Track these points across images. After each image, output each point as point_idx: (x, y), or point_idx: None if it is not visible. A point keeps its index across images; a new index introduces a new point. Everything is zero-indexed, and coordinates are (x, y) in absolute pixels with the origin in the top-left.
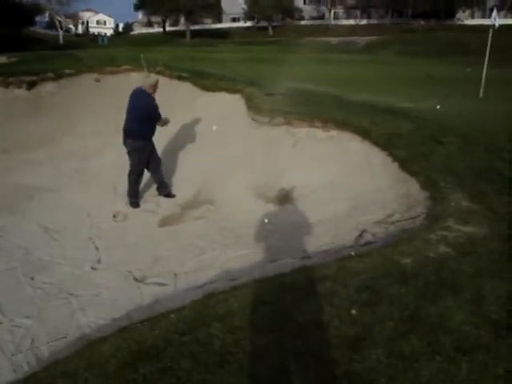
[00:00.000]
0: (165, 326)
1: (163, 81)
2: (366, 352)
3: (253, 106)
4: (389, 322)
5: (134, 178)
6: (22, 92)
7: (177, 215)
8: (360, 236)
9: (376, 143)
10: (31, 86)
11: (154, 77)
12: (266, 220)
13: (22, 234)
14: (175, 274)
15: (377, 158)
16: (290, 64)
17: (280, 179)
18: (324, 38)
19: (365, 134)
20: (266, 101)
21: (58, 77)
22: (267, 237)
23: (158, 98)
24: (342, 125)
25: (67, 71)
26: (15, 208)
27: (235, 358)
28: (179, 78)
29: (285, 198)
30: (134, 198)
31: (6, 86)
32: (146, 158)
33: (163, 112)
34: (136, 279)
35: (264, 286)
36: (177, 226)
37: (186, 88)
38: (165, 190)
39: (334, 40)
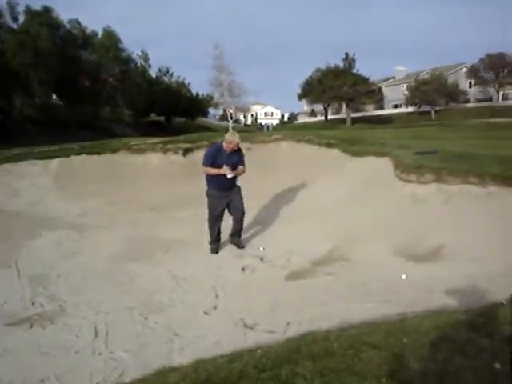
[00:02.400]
0: (246, 360)
1: (312, 148)
2: None
3: (400, 165)
4: None
5: (208, 223)
6: (178, 158)
7: (307, 271)
8: None
9: None
10: (187, 152)
11: (232, 135)
12: (404, 276)
13: (151, 279)
14: (288, 323)
15: None
16: (449, 139)
17: (426, 237)
18: (491, 120)
19: None
20: (414, 159)
21: (213, 144)
22: (401, 291)
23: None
24: (502, 179)
25: (220, 140)
26: (151, 257)
27: None
28: (328, 145)
29: (430, 255)
30: (212, 243)
31: (165, 151)
32: (216, 206)
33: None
34: (246, 325)
35: (378, 328)
36: (304, 280)
37: (334, 154)
38: (236, 240)
39: (501, 121)
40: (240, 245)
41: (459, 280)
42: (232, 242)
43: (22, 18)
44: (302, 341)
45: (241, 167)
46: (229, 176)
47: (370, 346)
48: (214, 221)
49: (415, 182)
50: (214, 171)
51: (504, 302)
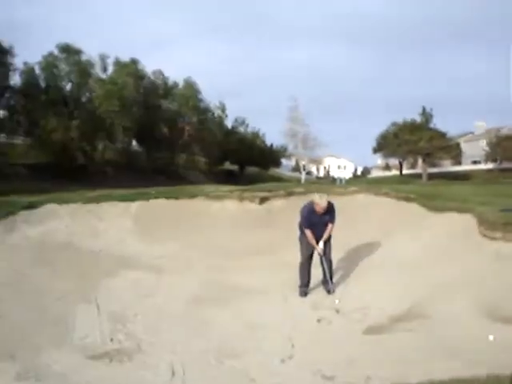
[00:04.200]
0: None
1: (389, 202)
2: None
3: (484, 221)
4: None
5: (299, 267)
6: (254, 206)
7: (384, 326)
8: None
9: None
10: (263, 200)
11: (320, 198)
12: (492, 337)
13: (226, 325)
14: (368, 377)
15: None
16: None
17: None
18: None
19: None
20: (500, 216)
21: (289, 194)
22: (489, 352)
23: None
24: None
25: (297, 190)
26: (225, 304)
27: None
28: (406, 199)
29: None
30: (302, 287)
31: (241, 199)
32: (305, 251)
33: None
34: (324, 377)
35: None
36: (382, 335)
37: (413, 208)
38: (326, 287)
39: None
40: (333, 290)
41: None
42: (325, 289)
43: (110, 69)
44: None
45: (329, 227)
46: (319, 252)
47: None
48: (304, 265)
49: (501, 239)
50: (310, 240)
51: None
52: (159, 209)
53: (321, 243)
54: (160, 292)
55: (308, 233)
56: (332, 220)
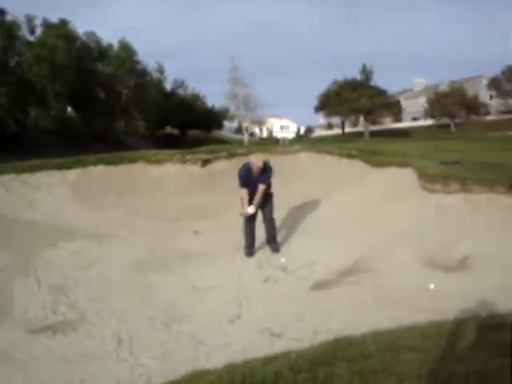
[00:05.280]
0: (281, 362)
1: (332, 159)
2: None
3: (425, 175)
4: None
5: (243, 230)
6: (196, 169)
7: (331, 281)
8: None
9: None
10: (205, 163)
11: (255, 158)
12: (432, 286)
13: (172, 290)
14: (316, 331)
15: None
16: (472, 150)
17: (452, 247)
18: None
19: None
20: (439, 169)
21: (231, 156)
22: (430, 300)
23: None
24: None
25: (240, 151)
26: (172, 268)
27: None
28: (348, 156)
29: (458, 265)
30: (247, 248)
31: (183, 162)
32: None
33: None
34: (272, 334)
35: (413, 332)
36: (328, 290)
37: (356, 165)
38: (272, 246)
39: None
40: (277, 249)
41: (488, 289)
42: (270, 248)
43: (38, 31)
44: (336, 344)
45: (259, 188)
46: (250, 213)
47: (408, 349)
48: (247, 226)
49: (440, 191)
50: (243, 201)
51: None
52: (98, 176)
53: (251, 207)
54: (103, 260)
55: (242, 193)
56: (264, 181)
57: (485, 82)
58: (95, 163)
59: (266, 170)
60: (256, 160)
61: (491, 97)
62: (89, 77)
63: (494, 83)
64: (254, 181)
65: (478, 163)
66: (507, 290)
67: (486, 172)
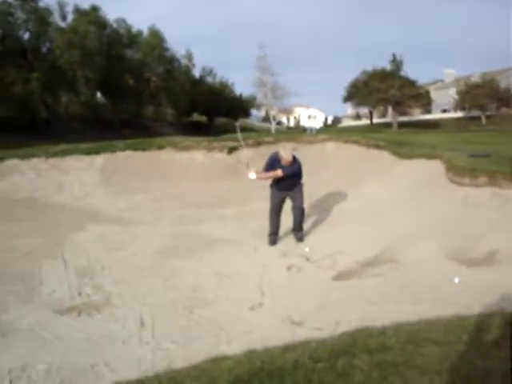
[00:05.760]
0: (300, 351)
1: (359, 150)
2: None
3: (453, 168)
4: None
5: (269, 216)
6: (222, 156)
7: (354, 271)
8: None
9: None
10: (232, 150)
11: (284, 151)
12: (457, 280)
13: (195, 275)
14: (337, 322)
15: None
16: (502, 144)
17: (479, 242)
18: None
19: None
20: (468, 162)
21: (258, 144)
22: (454, 294)
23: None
24: None
25: (267, 139)
26: (195, 254)
27: None
28: (376, 146)
29: (484, 260)
30: (271, 235)
31: (210, 149)
32: (274, 200)
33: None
34: (293, 322)
35: (436, 325)
36: (351, 281)
37: (383, 156)
38: (296, 235)
39: None
40: (302, 238)
41: None
42: (295, 238)
43: (70, 17)
44: (357, 335)
45: (278, 171)
46: (251, 177)
47: (430, 342)
48: (273, 214)
49: (468, 185)
50: (262, 176)
51: None
52: (126, 161)
53: (253, 173)
54: (128, 244)
55: (263, 173)
56: (293, 173)
57: None
58: (123, 149)
59: (295, 163)
60: (284, 153)
61: None
62: (118, 63)
63: None
64: (284, 170)
65: (508, 157)
66: None
67: None
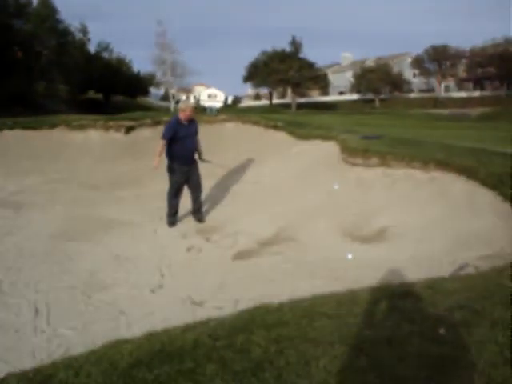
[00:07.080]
0: (199, 330)
1: (258, 130)
2: (453, 374)
3: (346, 149)
4: (492, 346)
5: (168, 197)
6: (119, 136)
7: (253, 250)
8: (460, 268)
9: (484, 183)
10: (129, 130)
11: (184, 102)
12: (350, 256)
13: (93, 259)
14: (237, 300)
15: (484, 197)
16: (393, 126)
17: (371, 220)
18: (434, 110)
19: (471, 173)
20: (360, 143)
21: (156, 123)
22: (347, 270)
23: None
24: (445, 165)
25: (165, 119)
26: (92, 237)
27: (274, 367)
28: (274, 127)
29: (375, 236)
30: (170, 217)
31: (106, 129)
32: (177, 180)
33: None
34: (194, 303)
35: (329, 299)
36: (251, 259)
37: (281, 136)
38: (196, 216)
39: (444, 112)
40: (202, 219)
41: (404, 259)
42: (195, 218)
43: None
44: (255, 312)
45: (198, 138)
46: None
47: (323, 316)
48: (172, 194)
49: (361, 165)
50: (157, 153)
51: (446, 276)
52: (15, 141)
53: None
54: (20, 229)
55: (158, 147)
56: (196, 131)
57: (409, 60)
58: (12, 127)
59: (195, 120)
60: (185, 106)
61: (414, 75)
62: (5, 34)
63: (418, 62)
64: (186, 133)
65: (398, 139)
66: (419, 261)
67: (405, 148)
